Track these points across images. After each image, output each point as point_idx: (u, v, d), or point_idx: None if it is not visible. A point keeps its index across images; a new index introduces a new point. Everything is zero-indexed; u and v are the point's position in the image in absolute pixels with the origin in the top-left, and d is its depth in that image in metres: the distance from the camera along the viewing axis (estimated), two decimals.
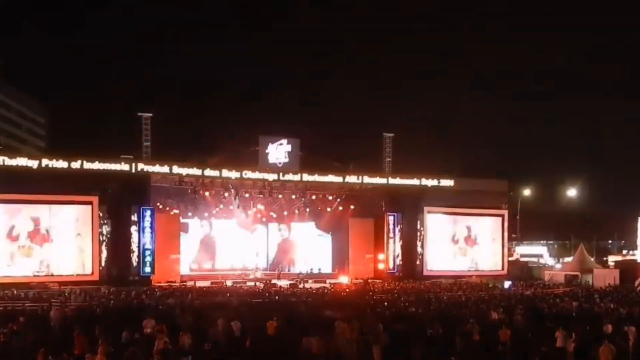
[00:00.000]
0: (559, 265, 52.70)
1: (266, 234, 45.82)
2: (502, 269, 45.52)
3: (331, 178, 41.55)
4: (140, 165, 36.94)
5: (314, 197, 43.41)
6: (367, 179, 42.12)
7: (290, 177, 40.58)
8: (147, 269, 36.76)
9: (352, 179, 41.72)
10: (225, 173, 39.11)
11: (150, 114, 38.52)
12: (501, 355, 15.14)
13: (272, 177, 40.24)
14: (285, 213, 44.60)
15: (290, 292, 31.29)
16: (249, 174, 39.77)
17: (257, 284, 37.07)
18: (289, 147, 40.40)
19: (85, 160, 35.23)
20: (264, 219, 44.90)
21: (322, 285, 36.43)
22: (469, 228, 44.86)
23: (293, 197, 43.11)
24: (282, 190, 42.28)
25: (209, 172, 38.84)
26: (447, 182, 43.34)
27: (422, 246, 43.25)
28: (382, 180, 42.63)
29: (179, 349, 13.66)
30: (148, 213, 36.95)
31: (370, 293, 30.12)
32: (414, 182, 42.87)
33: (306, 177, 40.85)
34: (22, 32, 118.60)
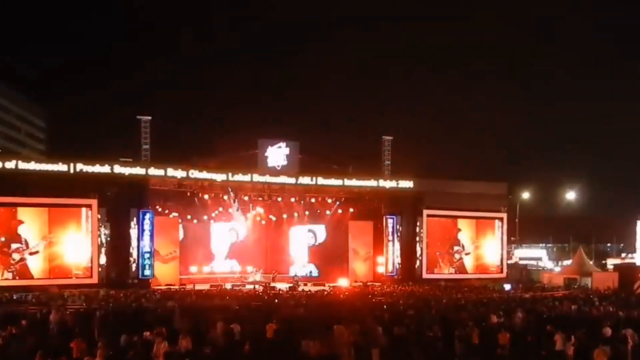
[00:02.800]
0: (558, 269, 52.77)
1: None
2: (502, 272, 45.49)
3: (330, 181, 41.46)
4: (140, 169, 36.94)
5: (313, 200, 43.42)
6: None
7: (289, 180, 40.57)
8: (147, 272, 36.76)
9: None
10: (225, 176, 39.09)
11: (150, 117, 38.58)
12: (500, 359, 15.14)
13: (271, 180, 40.24)
14: (285, 216, 44.57)
15: (290, 295, 31.28)
16: (248, 177, 39.75)
17: (257, 287, 37.06)
18: (287, 150, 40.38)
19: (84, 164, 35.21)
20: (263, 222, 44.88)
21: (322, 288, 36.43)
22: (468, 230, 44.83)
23: (292, 200, 43.10)
24: (281, 193, 42.30)
25: (208, 175, 38.83)
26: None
27: (421, 249, 43.22)
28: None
29: (178, 352, 13.66)
30: (147, 216, 36.96)
31: (370, 296, 30.11)
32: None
33: (305, 180, 40.82)
34: (21, 36, 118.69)
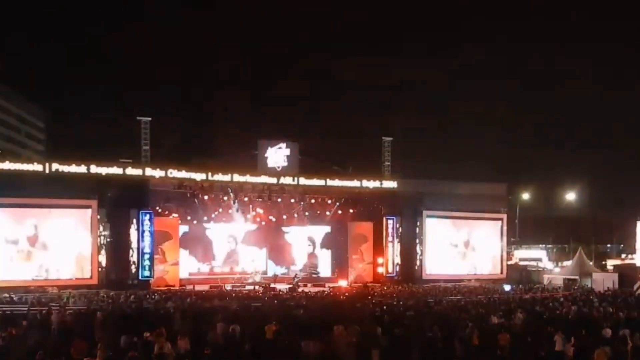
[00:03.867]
0: (557, 269, 52.72)
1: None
2: (501, 272, 45.53)
3: (312, 181, 41.37)
4: (140, 169, 36.98)
5: (312, 200, 43.44)
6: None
7: (289, 180, 40.59)
8: (146, 273, 36.75)
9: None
10: (224, 177, 39.12)
11: (149, 118, 38.63)
12: None
13: (271, 181, 40.24)
14: (285, 217, 44.57)
15: (289, 295, 31.27)
16: (248, 178, 39.76)
17: (256, 287, 37.07)
18: (288, 151, 40.45)
19: (84, 164, 35.26)
20: (263, 223, 44.85)
21: (321, 289, 36.44)
22: (467, 232, 44.88)
23: (292, 201, 43.10)
24: (281, 194, 42.31)
25: (207, 176, 38.84)
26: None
27: (421, 250, 43.24)
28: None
29: (176, 353, 13.66)
30: (147, 217, 36.96)
31: (369, 297, 30.11)
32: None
33: (305, 181, 40.81)
34: (21, 36, 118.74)
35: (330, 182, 41.74)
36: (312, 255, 45.80)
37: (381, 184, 42.53)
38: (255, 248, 44.56)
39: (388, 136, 44.19)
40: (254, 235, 44.56)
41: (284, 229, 45.24)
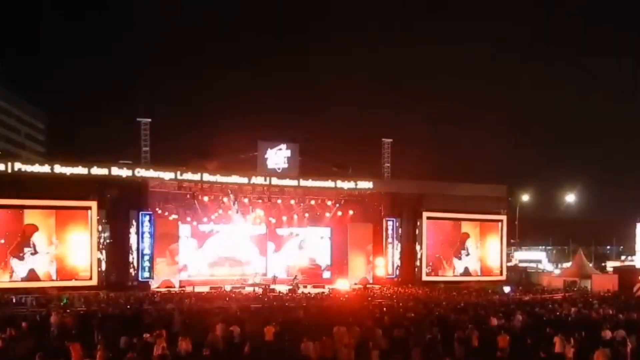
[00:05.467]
0: (557, 271, 52.76)
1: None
2: (501, 274, 45.48)
3: (329, 183, 41.32)
4: (139, 171, 36.90)
5: (312, 202, 43.41)
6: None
7: (289, 182, 40.57)
8: (146, 274, 36.71)
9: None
10: (224, 178, 39.09)
11: (149, 120, 38.62)
12: None
13: (271, 182, 40.20)
14: (285, 218, 44.54)
15: (289, 297, 31.24)
16: (247, 179, 39.74)
17: (256, 289, 37.03)
18: (288, 152, 40.41)
19: (84, 166, 35.20)
20: (263, 224, 44.81)
21: (321, 290, 36.41)
22: (467, 233, 44.83)
23: (292, 202, 43.07)
24: (281, 195, 42.29)
25: (207, 177, 38.80)
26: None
27: (421, 251, 43.19)
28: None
29: (177, 354, 13.68)
30: (147, 218, 36.91)
31: (369, 298, 30.11)
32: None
33: (305, 182, 40.79)
34: (22, 38, 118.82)
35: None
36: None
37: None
38: (255, 249, 44.57)
39: (388, 137, 44.16)
40: (254, 236, 44.57)
41: (283, 230, 45.25)
